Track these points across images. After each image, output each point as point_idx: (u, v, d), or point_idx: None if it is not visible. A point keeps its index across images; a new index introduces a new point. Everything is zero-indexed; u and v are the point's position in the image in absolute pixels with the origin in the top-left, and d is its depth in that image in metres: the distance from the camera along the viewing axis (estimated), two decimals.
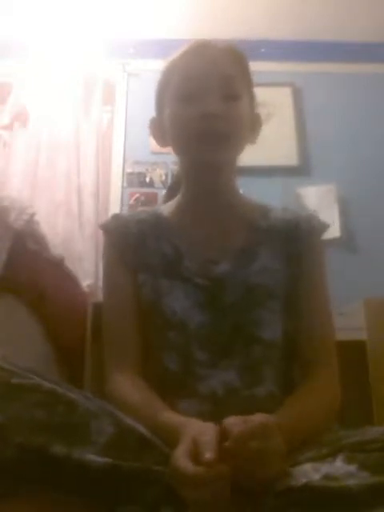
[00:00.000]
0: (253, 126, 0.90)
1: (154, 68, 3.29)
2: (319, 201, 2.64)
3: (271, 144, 2.72)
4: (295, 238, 0.88)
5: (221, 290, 0.82)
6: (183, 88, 0.85)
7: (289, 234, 0.88)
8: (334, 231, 2.57)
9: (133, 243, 0.89)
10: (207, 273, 0.83)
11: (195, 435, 0.57)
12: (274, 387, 0.78)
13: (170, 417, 0.68)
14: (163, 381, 0.80)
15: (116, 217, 0.95)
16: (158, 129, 0.92)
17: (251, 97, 0.90)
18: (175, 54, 0.89)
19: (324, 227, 0.92)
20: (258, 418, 0.57)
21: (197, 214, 0.90)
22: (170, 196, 1.01)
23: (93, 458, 0.54)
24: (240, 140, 0.86)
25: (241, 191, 0.94)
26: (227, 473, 0.53)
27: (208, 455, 0.53)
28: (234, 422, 0.57)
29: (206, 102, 0.82)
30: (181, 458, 0.55)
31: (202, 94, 0.82)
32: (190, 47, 0.88)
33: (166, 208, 0.95)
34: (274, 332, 0.81)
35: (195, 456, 0.55)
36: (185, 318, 0.81)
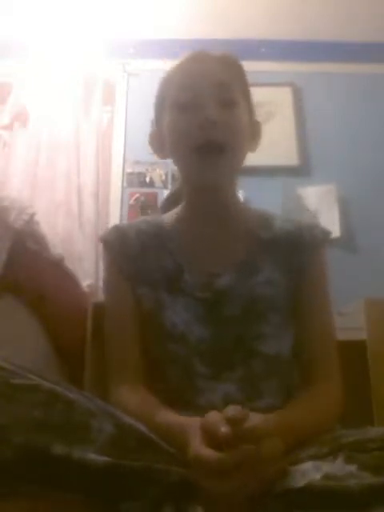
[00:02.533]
0: (252, 133, 0.91)
1: (153, 68, 3.30)
2: (319, 201, 2.64)
3: (271, 144, 2.72)
4: (298, 250, 0.87)
5: (222, 302, 0.82)
6: (180, 97, 0.85)
7: (291, 246, 0.87)
8: (334, 231, 2.57)
9: (132, 255, 0.89)
10: (208, 286, 0.83)
11: (203, 422, 0.58)
12: (275, 400, 0.78)
13: (175, 418, 0.68)
14: (163, 393, 0.79)
15: (115, 228, 0.95)
16: (157, 140, 0.92)
17: (249, 105, 0.90)
18: (171, 67, 0.90)
19: (327, 236, 0.91)
20: (255, 419, 0.58)
21: (198, 226, 0.89)
22: (168, 206, 1.00)
23: (93, 456, 0.54)
24: (240, 149, 0.86)
25: (241, 192, 0.94)
26: (252, 453, 0.53)
27: (224, 429, 0.54)
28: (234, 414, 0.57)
29: (202, 110, 0.82)
30: (202, 449, 0.55)
31: (198, 102, 0.83)
32: (186, 58, 0.89)
33: (167, 218, 0.94)
34: (276, 346, 0.81)
35: (213, 446, 0.55)
36: (186, 330, 0.81)
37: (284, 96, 2.84)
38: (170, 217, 0.94)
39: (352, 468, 0.55)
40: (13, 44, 2.80)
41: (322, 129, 2.80)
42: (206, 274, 0.84)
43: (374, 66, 2.93)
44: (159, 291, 0.85)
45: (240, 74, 0.90)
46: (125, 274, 0.89)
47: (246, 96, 0.90)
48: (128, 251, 0.89)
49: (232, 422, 0.56)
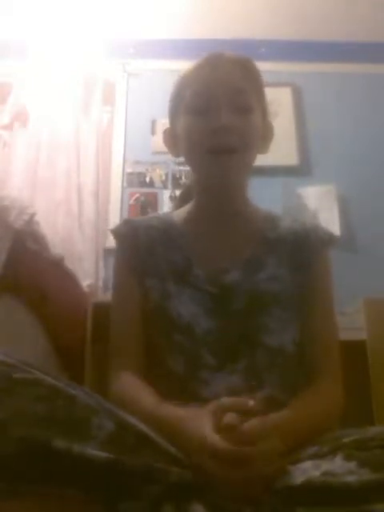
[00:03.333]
0: (265, 136, 0.93)
1: (154, 68, 3.29)
2: (319, 201, 2.64)
3: (271, 144, 2.72)
4: (304, 250, 0.90)
5: (229, 297, 0.84)
6: (195, 102, 0.86)
7: (297, 246, 0.90)
8: (334, 231, 2.56)
9: (141, 249, 0.91)
10: (216, 280, 0.85)
11: (215, 406, 0.62)
12: (278, 392, 0.79)
13: (174, 409, 0.70)
14: (166, 384, 0.80)
15: (127, 222, 0.97)
16: (171, 139, 0.95)
17: (263, 108, 0.92)
18: (188, 67, 0.91)
19: (331, 238, 0.95)
20: (253, 421, 0.59)
21: (207, 224, 0.92)
22: (180, 204, 1.02)
23: (94, 452, 0.54)
24: (251, 152, 0.88)
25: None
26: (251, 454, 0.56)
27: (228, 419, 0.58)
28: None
29: (217, 116, 0.83)
30: (210, 432, 0.58)
31: (213, 107, 0.84)
32: (203, 61, 0.89)
33: (177, 215, 0.97)
34: (280, 339, 0.83)
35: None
36: (192, 322, 0.83)
37: (284, 96, 2.84)
38: (179, 214, 0.97)
39: (351, 465, 0.56)
40: (13, 44, 2.79)
41: (322, 129, 2.80)
42: (215, 270, 0.86)
43: (374, 66, 2.93)
44: (166, 283, 0.86)
45: (256, 78, 0.91)
46: (133, 266, 0.90)
47: (261, 99, 0.91)
48: (138, 244, 0.91)
49: (227, 429, 0.57)
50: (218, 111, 0.84)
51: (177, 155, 0.95)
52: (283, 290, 0.85)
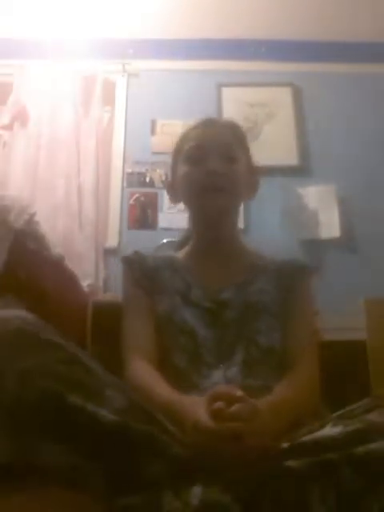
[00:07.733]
0: (250, 183, 1.10)
1: (153, 68, 3.28)
2: (319, 201, 2.64)
3: (271, 144, 2.73)
4: (287, 274, 1.07)
5: (224, 310, 0.99)
6: (192, 153, 1.06)
7: (282, 271, 1.07)
8: (334, 231, 2.57)
9: (149, 273, 1.06)
10: (213, 298, 1.01)
11: (212, 393, 0.68)
12: (266, 383, 0.89)
13: (178, 396, 0.79)
14: (172, 377, 0.89)
15: (136, 253, 1.11)
16: (172, 188, 1.14)
17: (248, 162, 1.11)
18: (188, 128, 1.12)
19: (310, 271, 1.11)
20: (237, 405, 0.65)
21: (204, 259, 1.09)
22: (180, 248, 1.19)
23: (105, 413, 0.59)
24: (237, 193, 1.06)
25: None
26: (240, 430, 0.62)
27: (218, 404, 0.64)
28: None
29: (208, 163, 1.02)
30: (203, 417, 0.63)
31: (206, 157, 1.04)
32: (199, 123, 1.11)
33: (178, 254, 1.15)
34: (270, 339, 0.97)
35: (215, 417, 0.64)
36: (195, 326, 0.97)
37: (284, 96, 2.84)
38: (180, 253, 1.14)
39: (337, 429, 0.64)
40: (13, 44, 2.80)
41: (322, 129, 2.80)
42: (211, 290, 1.02)
43: (374, 65, 2.93)
44: (173, 298, 1.01)
45: (242, 138, 1.12)
46: (142, 284, 1.04)
47: (246, 156, 1.10)
48: (145, 269, 1.06)
49: (216, 412, 0.63)
50: (208, 160, 1.03)
51: (176, 202, 1.15)
52: (271, 301, 1.01)
